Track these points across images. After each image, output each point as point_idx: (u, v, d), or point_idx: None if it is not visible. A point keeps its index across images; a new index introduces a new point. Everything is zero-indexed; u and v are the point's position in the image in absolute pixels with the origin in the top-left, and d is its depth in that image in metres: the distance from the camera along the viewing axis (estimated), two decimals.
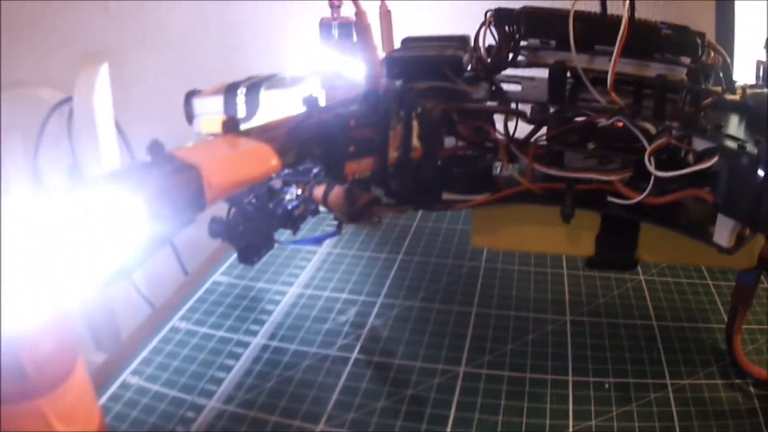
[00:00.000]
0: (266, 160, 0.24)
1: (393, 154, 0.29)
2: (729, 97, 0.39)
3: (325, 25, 0.43)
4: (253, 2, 0.62)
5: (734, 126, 0.35)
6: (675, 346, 0.36)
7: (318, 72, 0.38)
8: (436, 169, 0.32)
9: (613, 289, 0.42)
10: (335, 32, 0.43)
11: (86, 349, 0.52)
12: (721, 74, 0.36)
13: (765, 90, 0.38)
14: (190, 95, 0.37)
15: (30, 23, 0.57)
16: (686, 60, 0.35)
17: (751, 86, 0.42)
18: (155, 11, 0.61)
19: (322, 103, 0.29)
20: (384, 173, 0.30)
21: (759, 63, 0.45)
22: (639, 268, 0.44)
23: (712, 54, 0.36)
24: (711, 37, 0.46)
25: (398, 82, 0.32)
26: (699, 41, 0.34)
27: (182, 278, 0.48)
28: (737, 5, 0.54)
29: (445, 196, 0.33)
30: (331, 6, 0.43)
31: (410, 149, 0.30)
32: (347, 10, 0.40)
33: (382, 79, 0.32)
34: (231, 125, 0.25)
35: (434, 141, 0.31)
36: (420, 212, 0.51)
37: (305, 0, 0.37)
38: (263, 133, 0.25)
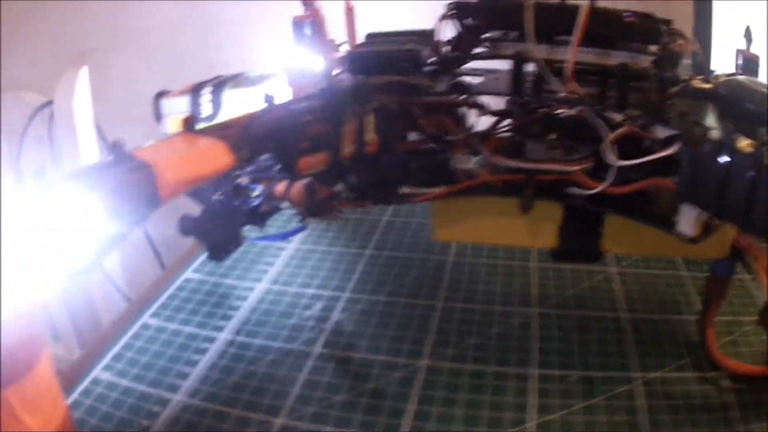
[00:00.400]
0: (220, 157, 0.25)
1: (348, 148, 0.30)
2: (702, 86, 0.38)
3: (297, 23, 0.44)
4: (233, 2, 0.62)
5: (705, 115, 0.34)
6: (646, 339, 0.36)
7: (287, 69, 0.38)
8: (394, 162, 0.32)
9: (584, 281, 0.41)
10: (308, 30, 0.43)
11: (69, 345, 0.54)
12: (687, 61, 0.35)
13: (738, 77, 0.38)
14: (159, 96, 0.38)
15: (14, 26, 0.58)
16: (654, 48, 0.35)
17: (730, 75, 0.41)
18: (138, 12, 0.62)
19: (283, 99, 0.29)
20: (339, 167, 0.30)
21: (738, 51, 0.45)
22: (612, 260, 0.43)
23: (680, 41, 0.36)
24: (688, 33, 0.45)
25: (357, 78, 0.32)
26: (664, 28, 0.34)
27: (160, 273, 0.48)
28: (715, 4, 0.53)
29: (404, 189, 0.33)
30: (304, 4, 0.43)
31: (365, 143, 0.30)
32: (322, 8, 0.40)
33: (337, 75, 0.32)
34: (189, 124, 0.26)
35: (390, 135, 0.31)
36: (391, 207, 0.51)
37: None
38: (219, 131, 0.26)
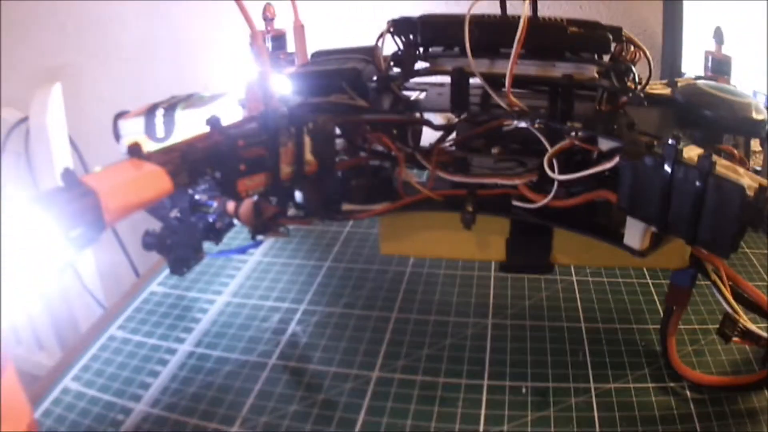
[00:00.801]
0: (159, 182, 0.26)
1: (286, 169, 0.30)
2: (659, 92, 0.37)
3: (256, 38, 0.44)
4: (201, 19, 0.63)
5: (662, 123, 0.34)
6: (603, 349, 0.36)
7: (249, 85, 0.38)
8: (334, 181, 0.32)
9: (542, 291, 0.41)
10: (269, 45, 0.43)
11: (53, 353, 0.56)
12: (633, 70, 0.34)
13: (698, 82, 0.37)
14: (118, 117, 0.39)
15: None
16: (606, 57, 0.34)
17: (697, 78, 0.40)
18: (110, 29, 0.63)
19: (232, 120, 0.30)
20: (280, 188, 0.31)
21: (707, 53, 0.44)
22: (574, 268, 0.43)
23: (632, 49, 0.35)
24: (658, 34, 0.44)
25: (295, 98, 0.33)
26: (611, 37, 0.33)
27: (135, 281, 0.50)
28: (685, 4, 0.51)
29: (349, 206, 0.33)
30: (264, 19, 0.44)
31: (303, 164, 0.31)
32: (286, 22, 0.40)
33: (273, 96, 0.32)
34: (134, 149, 0.27)
35: (328, 155, 0.31)
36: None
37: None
38: (161, 156, 0.27)
